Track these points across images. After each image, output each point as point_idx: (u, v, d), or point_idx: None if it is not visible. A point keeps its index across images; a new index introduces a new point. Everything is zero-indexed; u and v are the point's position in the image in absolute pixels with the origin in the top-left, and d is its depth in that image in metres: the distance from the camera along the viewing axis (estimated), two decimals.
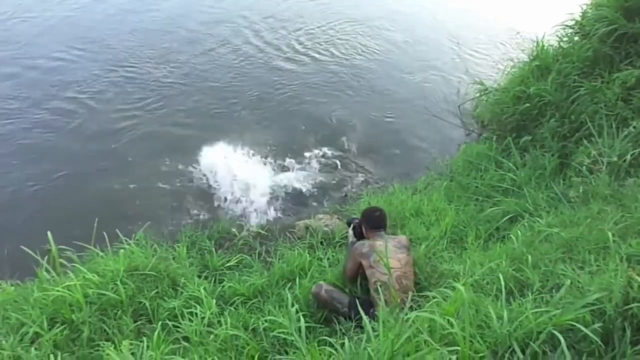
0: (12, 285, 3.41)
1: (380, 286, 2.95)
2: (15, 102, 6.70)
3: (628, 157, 3.66)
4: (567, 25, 5.58)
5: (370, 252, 3.13)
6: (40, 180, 5.40)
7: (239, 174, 5.58)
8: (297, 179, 5.61)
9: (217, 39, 8.72)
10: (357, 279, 3.35)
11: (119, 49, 8.24)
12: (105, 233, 3.63)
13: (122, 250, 3.51)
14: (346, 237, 3.99)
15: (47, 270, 3.23)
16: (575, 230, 2.85)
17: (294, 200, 5.31)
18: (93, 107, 6.75)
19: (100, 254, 3.53)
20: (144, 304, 3.14)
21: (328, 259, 3.82)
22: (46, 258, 3.27)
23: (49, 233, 3.26)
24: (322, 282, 3.31)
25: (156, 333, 2.76)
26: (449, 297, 2.27)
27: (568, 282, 2.14)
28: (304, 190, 5.45)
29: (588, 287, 2.06)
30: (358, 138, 6.46)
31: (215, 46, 8.51)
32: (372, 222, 3.39)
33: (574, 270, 2.32)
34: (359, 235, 3.53)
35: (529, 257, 2.64)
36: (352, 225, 3.64)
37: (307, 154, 6.05)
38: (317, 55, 8.57)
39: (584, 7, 5.46)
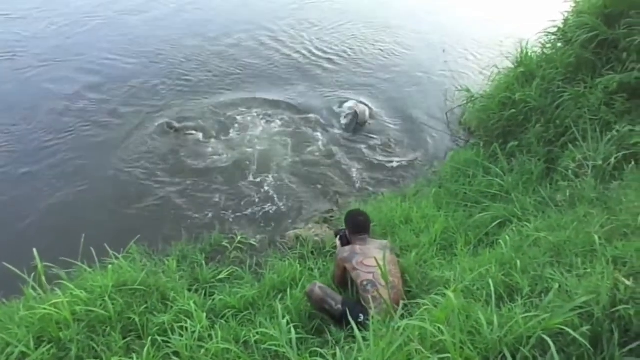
0: None
1: (367, 284, 3.07)
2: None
3: (612, 160, 3.71)
4: (549, 32, 5.67)
5: (352, 255, 3.26)
6: (27, 194, 5.34)
7: (228, 186, 5.59)
8: (287, 188, 5.60)
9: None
10: (346, 283, 3.43)
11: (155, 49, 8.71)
12: (92, 248, 3.60)
13: (110, 266, 3.47)
14: (336, 247, 4.01)
15: (34, 288, 3.19)
16: (562, 234, 2.88)
17: (284, 211, 5.27)
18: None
19: (88, 269, 3.49)
20: (133, 319, 3.08)
21: (319, 268, 3.82)
22: (32, 275, 3.23)
23: (34, 250, 3.22)
24: (316, 281, 3.36)
25: (146, 349, 2.74)
26: (439, 304, 2.27)
27: (556, 285, 2.16)
28: (293, 199, 5.43)
29: (576, 291, 2.07)
30: (346, 145, 6.48)
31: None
32: (356, 226, 3.50)
33: (562, 274, 2.33)
34: (346, 244, 3.59)
35: (518, 261, 2.66)
36: (339, 236, 3.72)
37: (294, 163, 6.06)
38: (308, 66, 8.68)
39: (566, 14, 5.55)
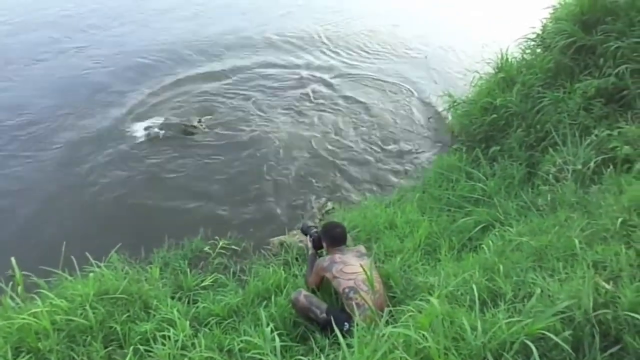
0: None
1: (349, 291, 3.06)
2: None
3: (592, 164, 3.76)
4: (529, 38, 5.77)
5: (331, 265, 3.25)
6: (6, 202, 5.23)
7: (212, 191, 5.54)
8: (271, 193, 5.58)
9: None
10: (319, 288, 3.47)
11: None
12: (73, 257, 3.54)
13: (91, 274, 3.41)
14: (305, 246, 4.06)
15: (12, 297, 3.12)
16: (544, 238, 2.90)
17: (269, 216, 5.25)
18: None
19: (69, 278, 3.42)
20: (115, 328, 3.04)
21: (303, 275, 3.79)
22: (10, 284, 3.17)
23: (12, 259, 3.16)
24: (301, 289, 3.36)
25: (127, 359, 2.69)
26: (423, 310, 2.28)
27: (538, 290, 2.18)
28: (278, 205, 5.40)
29: (558, 295, 2.09)
30: (330, 152, 6.48)
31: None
32: (334, 239, 3.49)
33: (544, 279, 2.35)
34: (317, 246, 3.65)
35: (501, 266, 2.67)
36: (312, 238, 3.72)
37: (280, 169, 6.04)
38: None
39: (544, 20, 5.65)
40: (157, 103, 7.37)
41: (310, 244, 3.73)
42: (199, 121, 6.75)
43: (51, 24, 10.08)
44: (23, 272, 3.20)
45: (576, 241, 2.57)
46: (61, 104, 7.17)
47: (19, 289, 3.15)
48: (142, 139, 6.43)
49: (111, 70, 8.30)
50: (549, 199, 3.67)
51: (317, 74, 8.73)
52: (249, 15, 11.28)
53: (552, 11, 5.62)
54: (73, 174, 5.73)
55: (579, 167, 3.82)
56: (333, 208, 5.27)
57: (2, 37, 9.42)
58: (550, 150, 4.36)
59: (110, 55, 8.81)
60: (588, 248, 2.52)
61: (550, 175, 3.95)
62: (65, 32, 9.65)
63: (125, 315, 3.16)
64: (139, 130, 6.59)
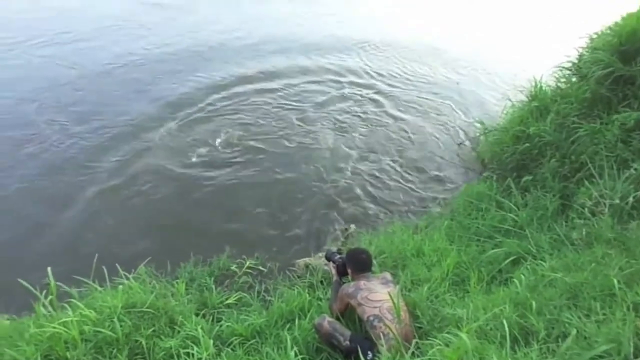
0: (7, 320, 3.36)
1: (374, 319, 3.00)
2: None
3: (630, 199, 3.64)
4: (564, 67, 5.68)
5: (357, 291, 3.20)
6: (41, 211, 5.39)
7: (241, 209, 5.60)
8: (300, 214, 5.60)
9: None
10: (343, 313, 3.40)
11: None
12: (104, 267, 3.61)
13: (120, 286, 3.47)
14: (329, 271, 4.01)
15: (44, 305, 3.19)
16: (579, 275, 2.81)
17: (295, 237, 5.25)
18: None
19: (99, 289, 3.49)
20: (140, 342, 3.06)
21: (328, 299, 3.76)
22: (44, 292, 3.24)
23: (48, 269, 3.24)
24: (325, 315, 3.32)
25: None
26: (451, 344, 2.23)
27: (574, 331, 2.10)
28: (305, 226, 5.41)
29: (595, 338, 2.01)
30: (357, 176, 6.48)
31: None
32: (359, 265, 3.45)
33: (579, 319, 2.27)
34: (342, 272, 3.59)
35: (533, 302, 2.59)
36: (335, 264, 3.67)
37: (312, 190, 6.08)
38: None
39: (580, 50, 5.57)
40: (195, 115, 7.55)
41: (334, 271, 3.68)
42: (229, 140, 6.87)
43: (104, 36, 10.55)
44: (57, 282, 3.27)
45: (614, 280, 2.48)
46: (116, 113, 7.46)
47: (51, 298, 3.22)
48: (184, 156, 6.55)
49: (151, 87, 8.54)
50: (584, 233, 3.56)
51: (359, 89, 8.96)
52: (290, 31, 11.70)
53: (588, 40, 5.54)
54: (100, 184, 5.88)
55: (617, 201, 3.69)
56: (356, 232, 5.22)
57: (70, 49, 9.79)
58: (586, 182, 4.23)
59: (153, 69, 9.14)
60: (627, 289, 2.42)
61: (586, 209, 3.83)
62: (121, 42, 10.17)
63: (150, 330, 3.18)
64: (177, 145, 6.72)
